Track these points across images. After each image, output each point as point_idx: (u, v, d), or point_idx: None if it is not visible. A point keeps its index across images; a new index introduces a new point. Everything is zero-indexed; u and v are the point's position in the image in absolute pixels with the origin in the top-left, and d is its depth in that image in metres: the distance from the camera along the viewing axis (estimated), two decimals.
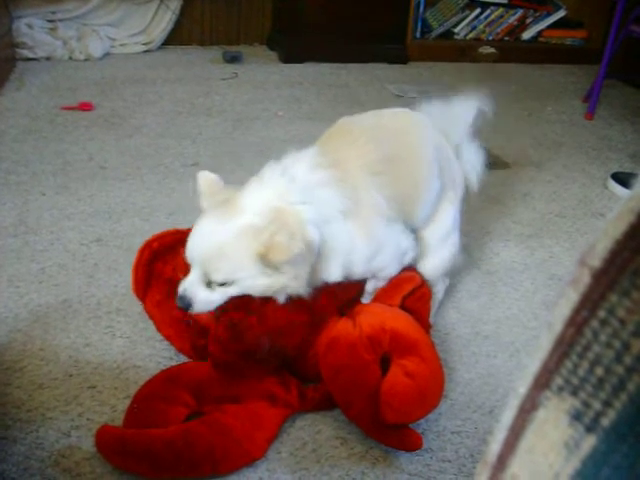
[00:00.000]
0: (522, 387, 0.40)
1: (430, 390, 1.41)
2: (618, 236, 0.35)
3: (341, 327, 1.46)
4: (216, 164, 2.67)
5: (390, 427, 1.36)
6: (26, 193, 2.35)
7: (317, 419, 1.48)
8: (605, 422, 0.34)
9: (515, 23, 4.66)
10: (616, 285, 0.34)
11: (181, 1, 4.17)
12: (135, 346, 1.65)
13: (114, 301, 1.81)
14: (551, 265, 2.17)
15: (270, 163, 1.45)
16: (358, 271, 1.52)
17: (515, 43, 4.69)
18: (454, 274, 1.91)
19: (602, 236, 0.36)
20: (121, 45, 4.09)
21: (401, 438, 1.38)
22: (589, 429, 0.35)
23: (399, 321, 1.49)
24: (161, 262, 1.62)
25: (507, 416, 0.42)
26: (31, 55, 3.78)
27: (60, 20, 3.95)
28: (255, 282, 1.35)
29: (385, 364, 1.44)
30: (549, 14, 4.68)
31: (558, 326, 0.38)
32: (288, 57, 4.13)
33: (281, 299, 1.39)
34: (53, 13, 3.94)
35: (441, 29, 4.54)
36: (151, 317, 1.65)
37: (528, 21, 4.68)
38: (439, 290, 1.81)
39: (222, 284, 1.36)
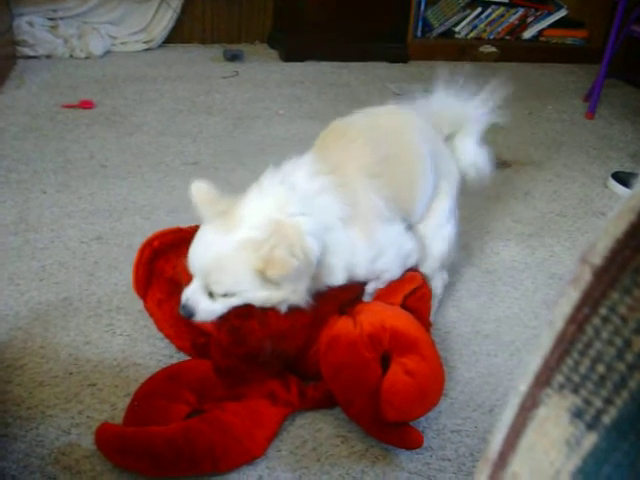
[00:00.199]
0: (523, 385, 0.40)
1: (430, 388, 1.41)
2: (619, 235, 0.35)
3: (342, 325, 1.46)
4: (217, 162, 2.67)
5: (390, 425, 1.36)
6: (27, 191, 2.35)
7: (317, 417, 1.48)
8: (606, 420, 0.34)
9: (516, 22, 4.66)
10: (617, 283, 0.34)
11: None
12: (135, 344, 1.65)
13: (114, 299, 1.81)
14: (551, 264, 2.17)
15: (269, 169, 1.44)
16: (361, 273, 1.53)
17: (516, 42, 4.68)
18: (454, 272, 1.91)
19: (603, 234, 0.36)
20: (122, 43, 4.08)
21: (401, 436, 1.38)
22: (590, 427, 0.35)
23: (399, 319, 1.49)
24: (162, 260, 1.62)
25: (508, 414, 0.42)
26: (32, 53, 3.77)
27: (61, 18, 3.95)
28: (256, 295, 1.37)
29: (385, 362, 1.44)
30: (550, 13, 4.68)
31: (559, 324, 0.38)
32: (289, 56, 4.13)
33: (283, 309, 1.40)
34: (54, 11, 3.93)
35: (442, 28, 4.54)
36: (152, 316, 1.66)
37: (529, 20, 4.68)
38: (437, 286, 1.80)
39: (224, 295, 1.37)
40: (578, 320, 0.37)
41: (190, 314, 1.40)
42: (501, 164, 2.86)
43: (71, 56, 3.86)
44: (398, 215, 1.55)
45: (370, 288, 1.62)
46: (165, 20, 4.15)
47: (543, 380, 0.38)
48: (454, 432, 1.47)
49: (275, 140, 2.92)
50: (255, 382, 1.44)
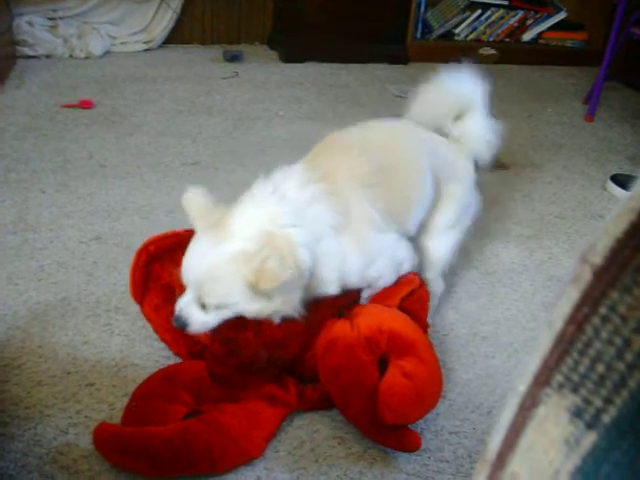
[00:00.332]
0: (522, 385, 0.40)
1: (428, 391, 1.41)
2: (619, 234, 0.35)
3: (339, 328, 1.46)
4: (216, 163, 2.67)
5: (388, 428, 1.36)
6: (26, 191, 2.34)
7: (315, 418, 1.48)
8: (606, 419, 0.34)
9: (516, 24, 4.66)
10: (617, 282, 0.34)
11: (182, 0, 4.17)
12: (133, 344, 1.65)
13: (113, 299, 1.81)
14: (550, 266, 2.17)
15: (260, 179, 1.44)
16: (353, 282, 1.53)
17: (515, 44, 4.69)
18: (453, 273, 1.91)
19: (603, 234, 0.36)
20: (122, 43, 4.08)
21: (399, 438, 1.38)
22: (589, 426, 0.35)
23: (396, 322, 1.49)
24: (158, 265, 1.62)
25: (507, 414, 0.42)
26: (31, 53, 3.77)
27: (61, 18, 3.95)
28: (248, 307, 1.37)
29: (383, 365, 1.44)
30: (550, 16, 4.68)
31: (559, 323, 0.38)
32: (289, 57, 4.13)
33: (276, 320, 1.40)
34: (54, 11, 3.93)
35: (442, 30, 4.54)
36: (149, 321, 1.66)
37: (529, 23, 4.68)
38: (435, 292, 1.80)
39: (216, 307, 1.37)
40: (578, 320, 0.37)
41: (183, 326, 1.40)
42: (500, 166, 2.86)
43: (71, 56, 3.86)
44: (392, 226, 1.55)
45: (365, 294, 1.62)
46: (165, 20, 4.15)
47: (543, 380, 0.38)
48: (452, 434, 1.47)
49: (275, 141, 2.92)
50: (251, 388, 1.44)
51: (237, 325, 1.39)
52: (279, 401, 1.43)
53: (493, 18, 4.61)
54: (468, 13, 4.58)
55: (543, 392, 0.38)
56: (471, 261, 2.13)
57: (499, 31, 4.65)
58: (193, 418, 1.37)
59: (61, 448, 1.34)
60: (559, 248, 2.28)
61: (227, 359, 1.40)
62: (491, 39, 4.65)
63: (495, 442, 0.42)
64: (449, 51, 4.46)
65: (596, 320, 0.35)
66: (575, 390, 0.36)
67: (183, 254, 1.39)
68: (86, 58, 3.87)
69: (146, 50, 4.13)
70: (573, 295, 0.37)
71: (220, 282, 1.34)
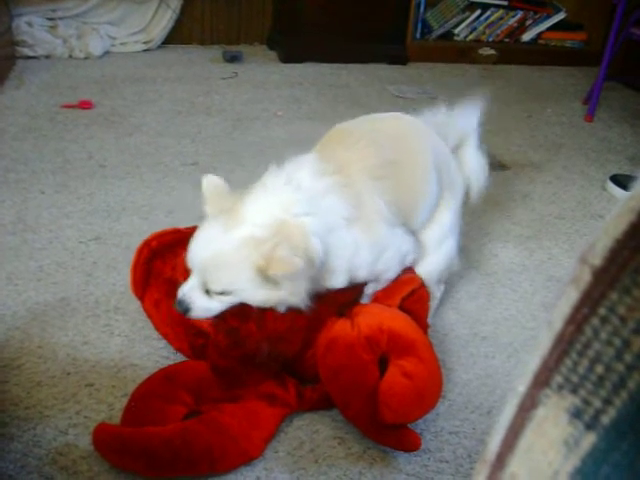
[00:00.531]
0: (521, 385, 0.40)
1: (428, 390, 1.41)
2: (618, 235, 0.35)
3: (339, 328, 1.46)
4: (215, 163, 2.67)
5: (388, 427, 1.36)
6: (25, 191, 2.34)
7: (315, 419, 1.48)
8: (605, 420, 0.34)
9: (515, 25, 4.66)
10: (617, 283, 0.34)
11: (181, 0, 4.17)
12: (133, 345, 1.65)
13: (112, 299, 1.81)
14: (550, 267, 2.17)
15: (272, 168, 1.43)
16: (362, 275, 1.53)
17: (515, 45, 4.69)
18: (452, 274, 1.91)
19: (603, 235, 0.36)
20: (121, 44, 4.08)
21: (399, 438, 1.38)
22: (589, 427, 0.35)
23: (397, 321, 1.49)
24: (160, 261, 1.62)
25: (506, 415, 0.42)
26: (31, 53, 3.77)
27: (60, 18, 3.95)
28: (254, 294, 1.36)
29: (383, 365, 1.44)
30: (549, 16, 4.68)
31: (558, 324, 0.38)
32: (288, 57, 4.13)
33: (281, 310, 1.40)
34: (53, 11, 3.93)
35: (441, 30, 4.54)
36: (149, 316, 1.65)
37: (528, 23, 4.68)
38: (435, 296, 1.80)
39: (221, 293, 1.36)
40: (577, 320, 0.37)
41: (185, 310, 1.39)
42: (500, 166, 2.86)
43: (70, 56, 3.86)
44: (399, 220, 1.55)
45: (369, 289, 1.62)
46: (164, 21, 4.15)
47: (542, 380, 0.38)
48: (452, 434, 1.47)
49: (274, 141, 2.92)
50: (252, 383, 1.44)
51: (240, 315, 1.39)
52: (278, 401, 1.43)
53: (492, 18, 4.61)
54: (467, 13, 4.58)
55: (542, 393, 0.38)
56: (471, 261, 2.13)
57: (498, 31, 4.65)
58: (193, 418, 1.37)
59: (61, 449, 1.34)
60: (559, 248, 2.28)
61: (230, 350, 1.40)
62: (490, 39, 4.65)
63: (494, 443, 0.42)
64: (449, 51, 4.47)
65: (595, 321, 0.35)
66: (574, 391, 0.36)
67: (185, 250, 1.39)
68: (85, 58, 3.87)
69: (145, 50, 4.13)
70: (572, 296, 0.37)
71: (227, 268, 1.34)
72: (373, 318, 1.48)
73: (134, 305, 1.72)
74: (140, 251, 1.64)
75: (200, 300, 1.38)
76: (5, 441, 1.35)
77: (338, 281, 1.48)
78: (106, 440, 1.30)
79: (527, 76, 4.34)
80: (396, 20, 4.28)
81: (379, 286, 1.62)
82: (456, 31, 4.59)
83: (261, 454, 1.36)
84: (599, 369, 0.35)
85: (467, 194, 1.83)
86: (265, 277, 1.31)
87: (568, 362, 0.37)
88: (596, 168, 2.98)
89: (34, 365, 1.56)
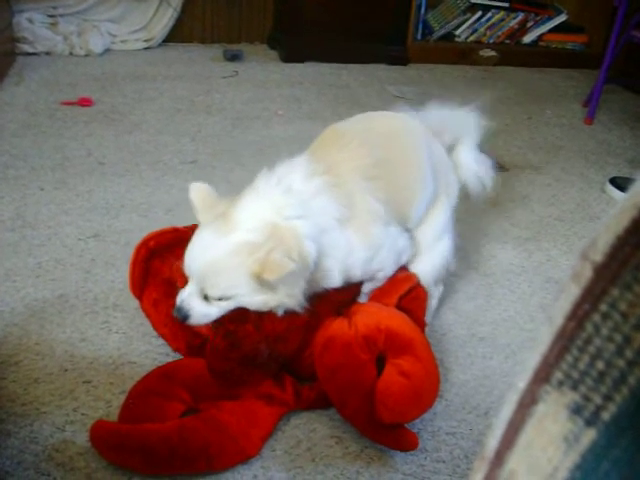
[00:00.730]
0: (521, 382, 0.40)
1: (425, 390, 1.41)
2: (620, 231, 0.35)
3: (337, 327, 1.46)
4: (215, 162, 2.67)
5: (385, 427, 1.36)
6: (24, 188, 2.34)
7: (312, 418, 1.48)
8: (605, 416, 0.34)
9: (516, 27, 4.66)
10: (618, 279, 0.34)
11: None
12: (131, 342, 1.65)
13: (111, 297, 1.80)
14: (548, 268, 2.17)
15: (264, 171, 1.43)
16: (357, 274, 1.53)
17: (516, 47, 4.69)
18: (451, 274, 1.91)
19: (604, 231, 0.36)
20: (122, 41, 4.08)
21: (396, 438, 1.38)
22: (589, 423, 0.35)
23: (394, 320, 1.49)
24: (158, 260, 1.62)
25: (506, 411, 0.41)
26: (31, 50, 3.77)
27: (61, 15, 3.95)
28: (251, 298, 1.36)
29: (381, 364, 1.44)
30: (550, 18, 4.68)
31: (559, 320, 0.38)
32: (289, 56, 4.13)
33: (279, 313, 1.40)
34: (54, 8, 3.93)
35: (442, 31, 4.54)
36: (147, 316, 1.65)
37: (529, 25, 4.68)
38: (434, 296, 1.80)
39: (219, 299, 1.36)
40: (578, 316, 0.37)
41: (184, 317, 1.39)
42: (499, 168, 2.86)
43: (71, 53, 3.85)
44: (394, 219, 1.55)
45: (366, 288, 1.62)
46: (165, 19, 4.15)
47: (542, 377, 0.38)
48: (449, 434, 1.47)
49: (274, 140, 2.92)
50: (251, 385, 1.44)
51: (237, 317, 1.39)
52: (276, 400, 1.43)
53: (493, 20, 4.61)
54: (469, 15, 4.58)
55: (542, 389, 0.38)
56: (469, 262, 2.13)
57: (499, 33, 4.65)
58: (190, 416, 1.37)
59: (58, 445, 1.34)
60: (557, 250, 2.28)
61: (229, 353, 1.40)
62: (491, 41, 4.65)
63: (493, 439, 0.42)
64: (449, 53, 4.47)
65: (596, 317, 0.35)
66: (574, 387, 0.36)
67: (183, 249, 1.39)
68: (86, 56, 3.86)
69: (146, 48, 4.12)
70: (573, 292, 0.37)
71: (224, 274, 1.34)
72: (370, 317, 1.48)
73: (132, 302, 1.72)
74: (138, 250, 1.63)
75: (199, 306, 1.38)
76: (2, 437, 1.35)
77: (333, 281, 1.48)
78: (103, 437, 1.30)
79: (527, 78, 4.34)
80: (397, 21, 4.27)
81: (376, 285, 1.62)
82: (457, 32, 4.59)
83: (258, 452, 1.36)
84: (600, 365, 0.35)
85: (467, 194, 1.83)
86: (261, 281, 1.31)
87: (568, 358, 0.37)
88: (595, 170, 2.98)
89: (32, 362, 1.56)
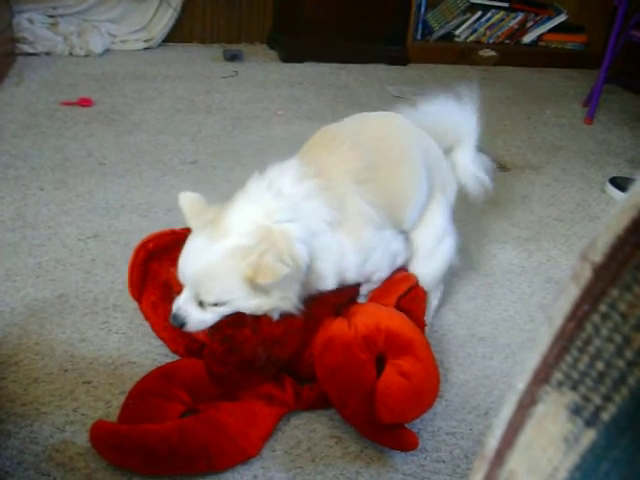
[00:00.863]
0: (521, 382, 0.40)
1: (425, 390, 1.41)
2: (620, 231, 0.35)
3: (336, 327, 1.46)
4: (215, 162, 2.67)
5: (385, 427, 1.36)
6: (24, 188, 2.34)
7: (312, 418, 1.48)
8: (605, 416, 0.34)
9: (516, 27, 4.66)
10: (617, 280, 0.34)
11: None
12: (131, 342, 1.65)
13: (111, 297, 1.80)
14: (548, 268, 2.17)
15: (254, 176, 1.43)
16: (351, 277, 1.53)
17: (515, 46, 4.69)
18: (451, 274, 1.91)
19: (604, 231, 0.36)
20: (122, 42, 4.08)
21: (396, 438, 1.38)
22: (589, 423, 0.35)
23: (394, 321, 1.49)
24: (156, 263, 1.62)
25: (506, 412, 0.41)
26: (31, 50, 3.77)
27: (61, 15, 3.95)
28: (246, 303, 1.36)
29: (380, 364, 1.44)
30: (550, 18, 4.68)
31: (558, 320, 0.38)
32: (288, 56, 4.13)
33: (274, 316, 1.40)
34: (54, 8, 3.93)
35: (442, 31, 4.54)
36: (147, 318, 1.65)
37: (529, 25, 4.68)
38: (435, 297, 1.80)
39: (214, 304, 1.36)
40: (578, 317, 0.37)
41: (181, 324, 1.39)
42: (499, 167, 2.86)
43: (71, 54, 3.85)
44: (388, 222, 1.54)
45: (364, 290, 1.62)
46: (165, 19, 4.15)
47: (542, 377, 0.38)
48: (449, 434, 1.47)
49: (273, 140, 2.92)
50: (251, 388, 1.43)
51: (234, 322, 1.39)
52: (276, 400, 1.43)
53: (493, 20, 4.61)
54: (468, 15, 4.58)
55: (542, 390, 0.38)
56: (469, 262, 2.13)
57: (499, 33, 4.65)
58: (190, 416, 1.37)
59: (57, 445, 1.34)
60: (557, 250, 2.28)
61: (227, 358, 1.40)
62: (491, 41, 4.65)
63: (493, 439, 0.42)
64: (449, 53, 4.48)
65: (596, 317, 0.35)
66: (574, 388, 0.36)
67: (181, 252, 1.39)
68: (86, 56, 3.86)
69: (146, 48, 4.12)
70: (573, 292, 0.37)
71: (217, 279, 1.34)
72: (370, 317, 1.48)
73: (132, 303, 1.71)
74: (137, 253, 1.63)
75: (195, 313, 1.38)
76: (2, 438, 1.35)
77: (327, 284, 1.48)
78: (103, 437, 1.30)
79: (527, 78, 4.35)
80: (397, 21, 4.27)
81: (373, 286, 1.62)
82: (457, 32, 4.59)
83: (258, 453, 1.36)
84: (599, 365, 0.35)
85: (465, 195, 1.82)
86: (254, 286, 1.31)
87: (568, 359, 0.37)
88: (595, 170, 2.98)
89: (31, 362, 1.56)
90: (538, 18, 4.68)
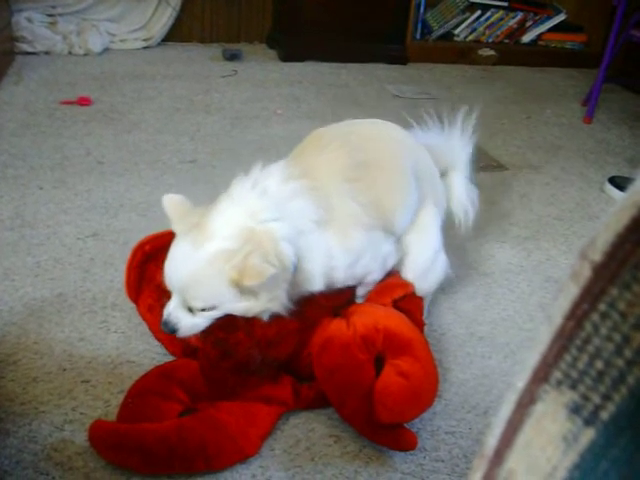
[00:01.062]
0: (520, 381, 0.40)
1: (424, 390, 1.41)
2: (620, 229, 0.35)
3: (335, 327, 1.46)
4: (214, 161, 2.67)
5: (384, 426, 1.36)
6: (23, 187, 2.34)
7: (311, 417, 1.47)
8: (604, 415, 0.34)
9: (515, 26, 4.66)
10: (617, 278, 0.34)
11: None
12: (130, 341, 1.65)
13: (109, 296, 1.80)
14: (547, 267, 2.17)
15: (239, 177, 1.42)
16: (340, 278, 1.51)
17: (515, 46, 4.69)
18: (450, 273, 1.91)
19: (604, 229, 0.36)
20: (121, 41, 4.08)
21: (395, 437, 1.38)
22: (588, 422, 0.35)
23: (393, 320, 1.49)
24: (153, 264, 1.61)
25: (505, 411, 0.41)
26: (30, 49, 3.77)
27: (60, 14, 3.95)
28: (235, 306, 1.35)
29: (379, 364, 1.44)
30: (549, 17, 4.68)
31: (558, 319, 0.38)
32: (288, 56, 4.13)
33: (264, 318, 1.39)
34: (53, 7, 3.93)
35: (441, 31, 4.54)
36: (144, 320, 1.65)
37: (528, 24, 4.68)
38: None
39: (203, 309, 1.35)
40: (577, 316, 0.36)
41: (172, 330, 1.38)
42: (498, 167, 2.86)
43: (70, 53, 3.85)
44: (378, 224, 1.52)
45: (361, 292, 1.62)
46: (164, 18, 4.15)
47: (541, 376, 0.38)
48: (448, 434, 1.47)
49: (273, 139, 2.92)
50: (248, 390, 1.43)
51: (227, 325, 1.39)
52: (275, 399, 1.43)
53: (492, 19, 4.62)
54: (468, 14, 4.59)
55: (541, 389, 0.38)
56: (468, 261, 2.13)
57: (498, 32, 4.65)
58: (189, 415, 1.37)
59: (56, 445, 1.34)
60: (556, 249, 2.28)
61: (221, 361, 1.40)
62: (490, 40, 4.65)
63: (493, 438, 0.42)
64: (448, 52, 4.48)
65: (595, 316, 0.35)
66: (573, 387, 0.36)
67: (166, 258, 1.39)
68: (85, 55, 3.86)
69: (145, 48, 4.12)
70: (572, 291, 0.37)
71: (203, 284, 1.33)
72: (369, 317, 1.48)
73: (131, 302, 1.71)
74: (134, 254, 1.63)
75: (185, 319, 1.37)
76: (0, 437, 1.35)
77: (315, 285, 1.46)
78: (102, 436, 1.30)
79: (526, 77, 4.35)
80: (396, 20, 4.27)
81: (367, 288, 1.62)
82: (456, 32, 4.59)
83: (257, 452, 1.35)
84: (599, 365, 0.35)
85: (454, 222, 1.83)
86: (241, 288, 1.30)
87: (567, 358, 0.36)
88: (595, 170, 2.98)
89: (30, 361, 1.55)
90: (537, 17, 4.68)
